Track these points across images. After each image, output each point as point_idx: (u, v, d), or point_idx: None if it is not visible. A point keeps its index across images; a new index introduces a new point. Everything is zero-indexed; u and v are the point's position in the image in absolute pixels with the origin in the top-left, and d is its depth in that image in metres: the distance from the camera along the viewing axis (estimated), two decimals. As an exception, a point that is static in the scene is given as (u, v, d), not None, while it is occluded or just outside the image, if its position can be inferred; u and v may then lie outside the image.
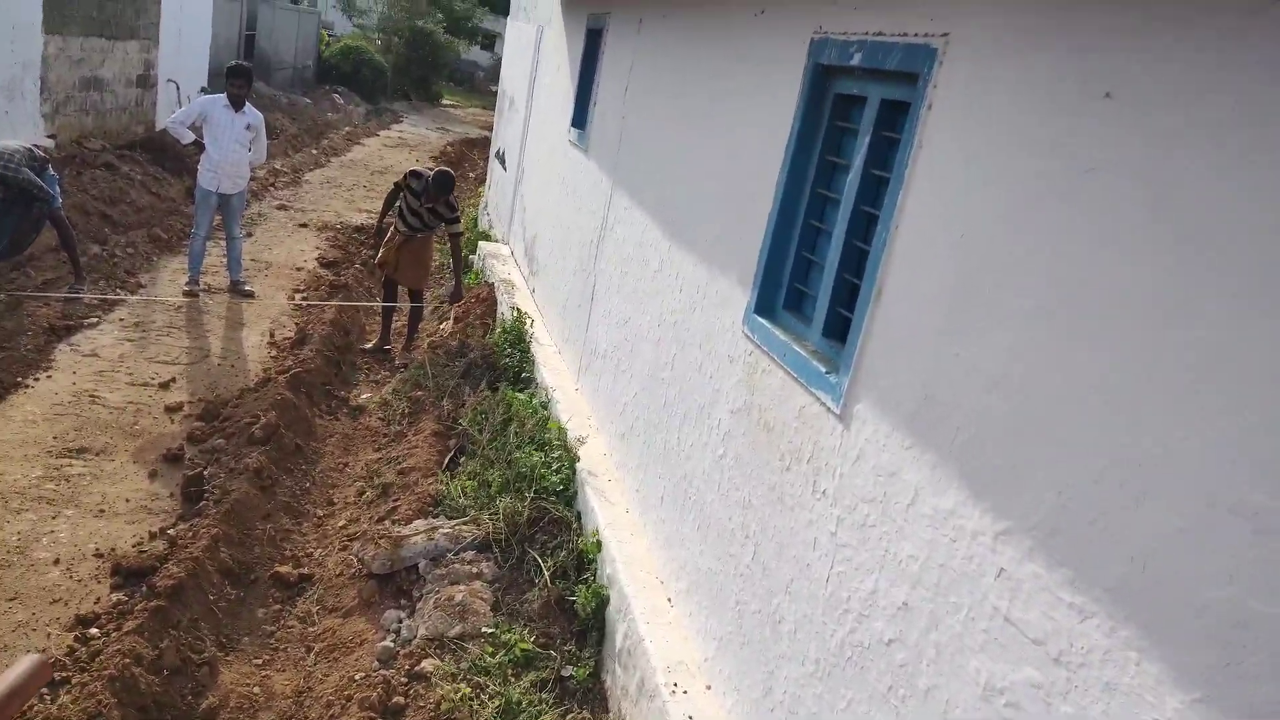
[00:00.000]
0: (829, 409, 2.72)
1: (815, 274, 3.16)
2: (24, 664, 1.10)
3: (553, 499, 5.09)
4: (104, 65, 12.37)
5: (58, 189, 7.65)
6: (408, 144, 21.54)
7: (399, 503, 5.35)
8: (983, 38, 2.29)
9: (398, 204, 7.99)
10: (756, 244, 3.37)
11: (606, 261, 5.85)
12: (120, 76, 12.92)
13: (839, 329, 2.93)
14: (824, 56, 3.00)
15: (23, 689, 1.07)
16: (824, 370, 2.79)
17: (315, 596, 4.74)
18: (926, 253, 2.35)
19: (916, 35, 2.52)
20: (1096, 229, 1.85)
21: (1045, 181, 1.99)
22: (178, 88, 14.53)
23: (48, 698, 3.62)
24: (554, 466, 5.29)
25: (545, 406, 6.18)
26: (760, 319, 3.30)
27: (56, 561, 4.63)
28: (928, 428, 2.26)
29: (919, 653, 2.23)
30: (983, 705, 2.01)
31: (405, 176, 7.92)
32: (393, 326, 8.54)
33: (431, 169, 7.95)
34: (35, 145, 7.99)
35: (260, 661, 4.30)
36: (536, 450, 5.47)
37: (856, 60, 2.78)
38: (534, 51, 9.79)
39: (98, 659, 3.85)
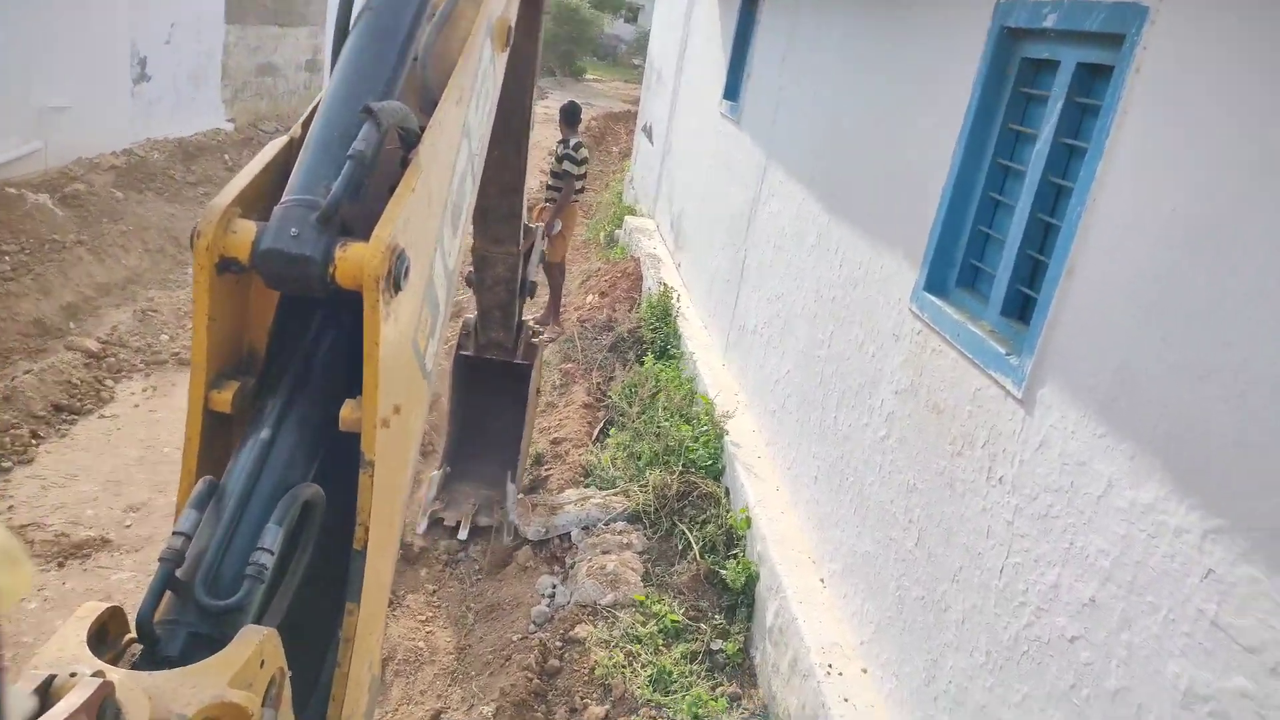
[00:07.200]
0: (1008, 392, 2.60)
1: (993, 249, 3.01)
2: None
3: (700, 472, 5.11)
4: (277, 51, 13.15)
5: None
6: (552, 119, 21.93)
7: (551, 472, 5.50)
8: (1200, -8, 2.10)
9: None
10: (928, 217, 3.24)
11: (758, 236, 5.78)
12: (291, 61, 13.71)
13: (1019, 308, 2.78)
14: (1011, 19, 2.83)
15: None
16: (1003, 351, 2.65)
17: (473, 560, 4.95)
18: (1129, 228, 2.19)
19: (1120, -8, 2.33)
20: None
21: (1275, 152, 1.81)
22: (342, 70, 15.28)
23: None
24: (702, 440, 5.30)
25: (691, 381, 6.19)
26: (930, 296, 3.17)
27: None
28: (1125, 416, 2.12)
29: (1107, 652, 2.11)
30: (1182, 713, 1.88)
31: None
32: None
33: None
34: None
35: (424, 618, 4.53)
36: (684, 424, 5.50)
37: (1050, 22, 2.61)
38: (684, 23, 9.73)
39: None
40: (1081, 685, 2.19)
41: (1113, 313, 2.21)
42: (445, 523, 5.02)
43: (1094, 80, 2.49)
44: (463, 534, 4.96)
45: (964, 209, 3.07)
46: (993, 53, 2.88)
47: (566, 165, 7.94)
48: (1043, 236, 2.68)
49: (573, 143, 8.02)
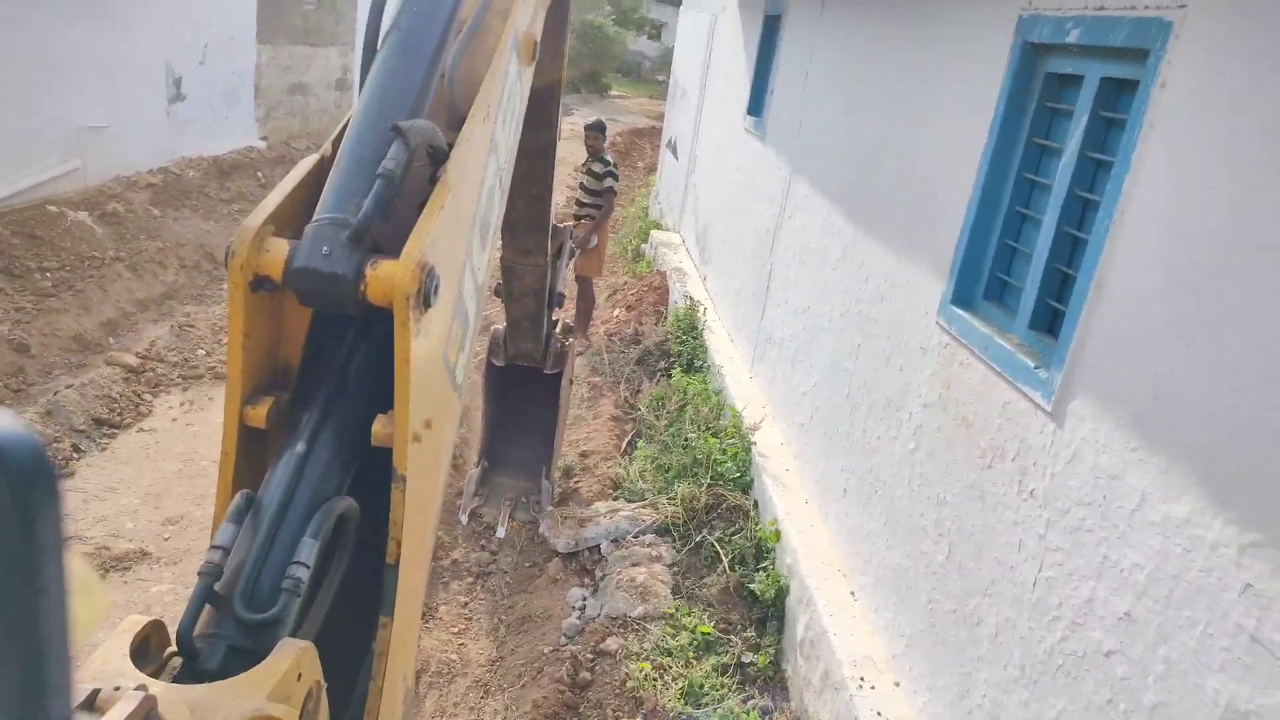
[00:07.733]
0: (1038, 405, 2.60)
1: (1020, 263, 3.01)
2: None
3: (729, 485, 5.13)
4: (308, 71, 13.37)
5: None
6: (579, 136, 22.11)
7: (580, 484, 5.54)
8: (1226, 7, 2.11)
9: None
10: (954, 231, 3.25)
11: (783, 250, 5.80)
12: (321, 80, 13.93)
13: (1048, 321, 2.79)
14: (1034, 34, 2.85)
15: None
16: (1032, 365, 2.66)
17: (504, 572, 4.99)
18: (1158, 240, 2.19)
19: (1147, 7, 2.34)
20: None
21: (1308, 163, 1.82)
22: (371, 89, 15.49)
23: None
24: (729, 452, 5.32)
25: (719, 393, 6.21)
26: (957, 310, 3.18)
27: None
28: (1158, 429, 2.12)
29: (1144, 667, 2.10)
30: (1221, 728, 1.87)
31: None
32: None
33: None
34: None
35: (456, 630, 4.58)
36: (712, 436, 5.52)
37: (1073, 37, 2.62)
38: (707, 40, 9.79)
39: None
40: (1118, 700, 2.19)
41: (1144, 325, 2.21)
42: (485, 519, 5.15)
43: (1119, 94, 2.50)
44: (501, 531, 5.07)
45: (990, 223, 3.08)
46: (1016, 68, 2.90)
47: (609, 182, 8.03)
48: (1070, 250, 2.68)
49: (609, 159, 8.13)
